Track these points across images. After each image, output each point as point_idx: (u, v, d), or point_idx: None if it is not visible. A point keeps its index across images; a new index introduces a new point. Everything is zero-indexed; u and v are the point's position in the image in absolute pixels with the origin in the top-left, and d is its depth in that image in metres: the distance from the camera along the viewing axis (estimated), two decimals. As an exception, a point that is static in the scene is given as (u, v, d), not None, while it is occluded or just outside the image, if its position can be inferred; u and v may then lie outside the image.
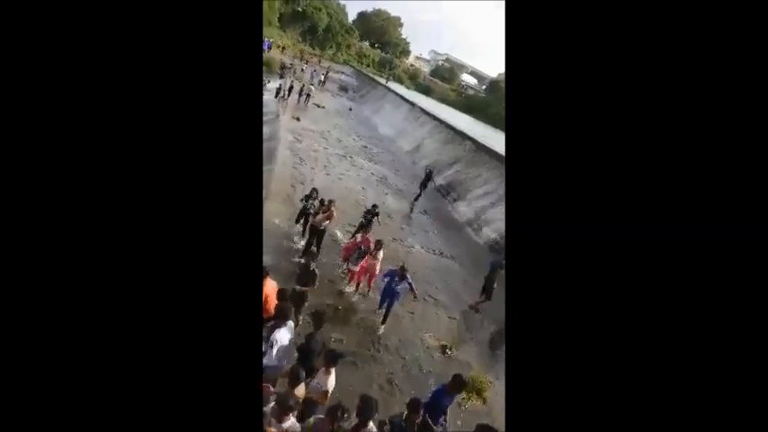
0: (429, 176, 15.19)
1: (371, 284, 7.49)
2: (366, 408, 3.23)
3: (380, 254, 7.30)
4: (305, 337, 4.49)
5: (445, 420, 4.33)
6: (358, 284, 7.46)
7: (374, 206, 9.27)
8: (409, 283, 6.69)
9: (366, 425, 3.23)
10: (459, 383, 4.24)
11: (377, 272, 7.31)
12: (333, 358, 3.89)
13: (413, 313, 7.73)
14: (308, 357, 4.20)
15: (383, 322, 6.75)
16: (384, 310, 6.79)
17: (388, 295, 6.70)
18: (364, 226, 8.59)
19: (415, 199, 14.53)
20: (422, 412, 3.74)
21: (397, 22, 69.89)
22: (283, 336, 4.05)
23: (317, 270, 5.93)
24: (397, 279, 6.62)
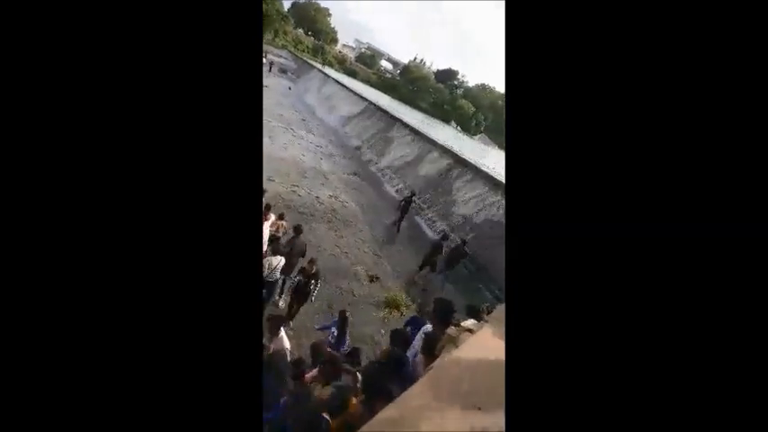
0: (410, 201, 10.39)
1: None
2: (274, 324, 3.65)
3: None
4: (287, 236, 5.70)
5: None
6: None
7: (312, 262, 5.14)
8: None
9: (278, 335, 3.64)
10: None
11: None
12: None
13: (347, 253, 7.90)
14: (292, 256, 5.43)
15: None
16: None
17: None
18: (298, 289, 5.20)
19: (397, 223, 10.13)
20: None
21: (326, 13, 65.37)
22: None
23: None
24: (334, 331, 4.24)
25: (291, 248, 5.49)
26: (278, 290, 5.42)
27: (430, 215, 11.42)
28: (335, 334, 4.25)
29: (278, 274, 5.12)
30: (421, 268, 8.04)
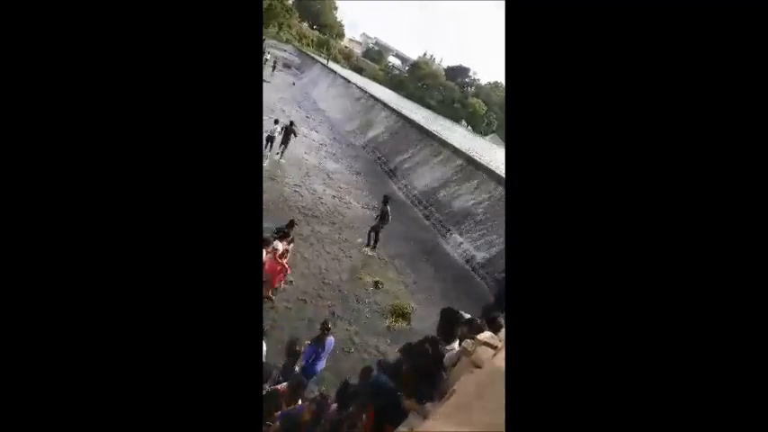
0: (290, 131, 11.27)
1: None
2: None
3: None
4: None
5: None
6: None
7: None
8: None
9: None
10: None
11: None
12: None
13: (351, 257, 7.81)
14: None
15: None
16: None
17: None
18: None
19: (373, 232, 8.35)
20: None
21: (332, 6, 65.63)
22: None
23: None
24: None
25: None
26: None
27: (439, 216, 11.31)
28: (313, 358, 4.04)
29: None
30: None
